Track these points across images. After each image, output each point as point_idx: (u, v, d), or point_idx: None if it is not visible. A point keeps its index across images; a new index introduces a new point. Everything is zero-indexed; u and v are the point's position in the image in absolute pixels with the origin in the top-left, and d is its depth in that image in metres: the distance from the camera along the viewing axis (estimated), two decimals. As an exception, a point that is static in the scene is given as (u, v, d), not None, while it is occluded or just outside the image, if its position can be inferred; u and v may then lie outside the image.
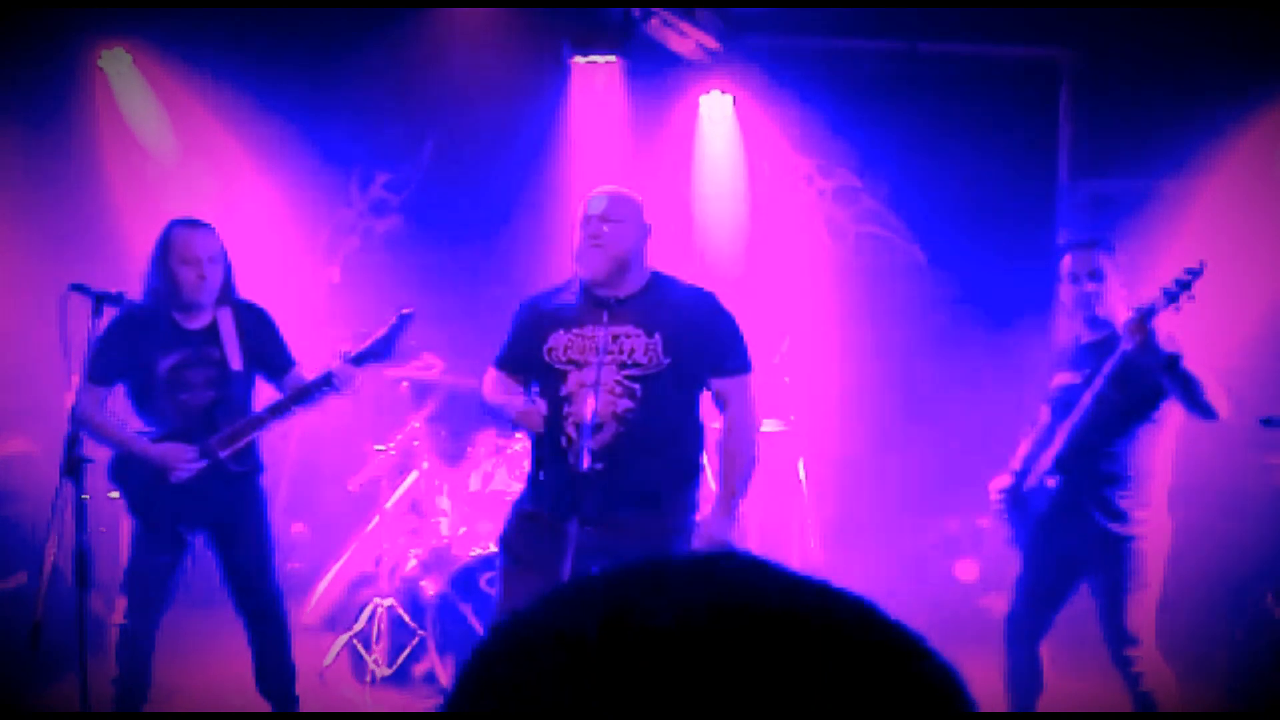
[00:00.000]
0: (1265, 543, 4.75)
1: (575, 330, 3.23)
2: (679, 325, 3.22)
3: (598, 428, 3.13)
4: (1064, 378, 3.68)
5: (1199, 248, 5.11)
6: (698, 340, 3.22)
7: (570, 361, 3.21)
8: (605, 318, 3.20)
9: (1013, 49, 5.98)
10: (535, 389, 3.32)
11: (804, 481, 5.47)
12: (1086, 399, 3.49)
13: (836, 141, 6.17)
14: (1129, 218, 5.66)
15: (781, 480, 5.58)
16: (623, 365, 3.17)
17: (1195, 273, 3.33)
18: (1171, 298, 3.33)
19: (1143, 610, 3.49)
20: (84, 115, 5.91)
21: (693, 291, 3.34)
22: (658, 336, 3.18)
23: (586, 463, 3.11)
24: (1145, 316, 3.33)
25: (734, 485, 3.25)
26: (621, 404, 3.15)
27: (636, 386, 3.15)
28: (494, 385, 3.41)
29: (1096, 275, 3.59)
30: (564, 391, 3.19)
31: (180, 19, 5.67)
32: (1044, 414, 3.79)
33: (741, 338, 3.28)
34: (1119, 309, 3.57)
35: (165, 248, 3.72)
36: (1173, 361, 3.31)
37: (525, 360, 3.34)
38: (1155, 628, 3.53)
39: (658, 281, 3.33)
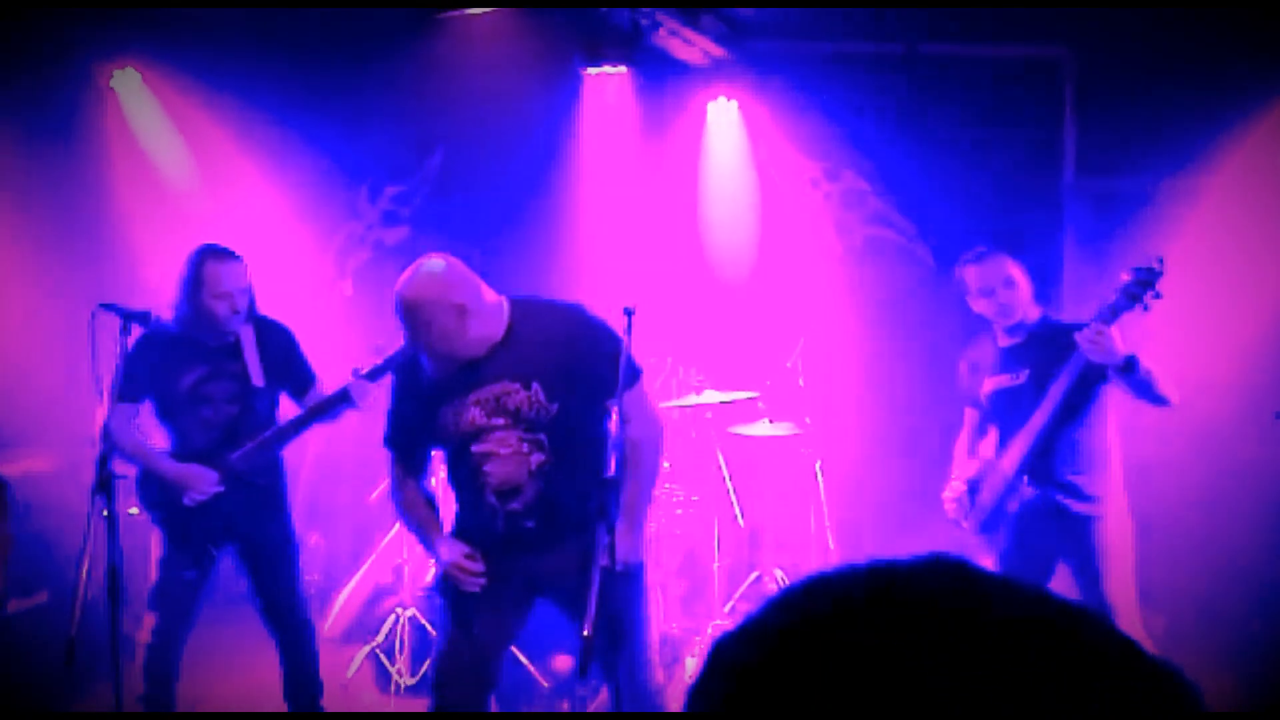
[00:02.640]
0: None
1: (457, 402, 3.05)
2: (554, 363, 3.03)
3: (517, 491, 3.04)
4: (998, 381, 3.75)
5: (1206, 244, 5.17)
6: (578, 370, 3.03)
7: (466, 434, 3.06)
8: (476, 384, 3.04)
9: (1017, 48, 6.01)
10: (444, 456, 3.20)
11: (821, 483, 5.49)
12: (1050, 404, 3.53)
13: (842, 144, 6.19)
14: (1135, 215, 5.69)
15: (799, 482, 5.60)
16: (515, 424, 3.02)
17: (1154, 272, 3.34)
18: (1133, 298, 3.34)
19: (1118, 584, 3.59)
20: (96, 136, 5.93)
21: (558, 314, 3.13)
22: (535, 386, 3.01)
23: (518, 527, 3.05)
24: (1105, 322, 3.35)
25: (640, 502, 3.13)
26: (534, 459, 3.02)
27: (541, 436, 3.02)
28: (403, 491, 3.25)
29: (1009, 283, 3.68)
30: (473, 463, 3.07)
31: (187, 37, 5.70)
32: (969, 416, 3.94)
33: (621, 345, 3.00)
34: (1031, 310, 3.70)
35: (197, 281, 3.74)
36: (1130, 364, 3.35)
37: (421, 438, 3.20)
38: (1160, 606, 3.58)
39: (517, 318, 3.09)
